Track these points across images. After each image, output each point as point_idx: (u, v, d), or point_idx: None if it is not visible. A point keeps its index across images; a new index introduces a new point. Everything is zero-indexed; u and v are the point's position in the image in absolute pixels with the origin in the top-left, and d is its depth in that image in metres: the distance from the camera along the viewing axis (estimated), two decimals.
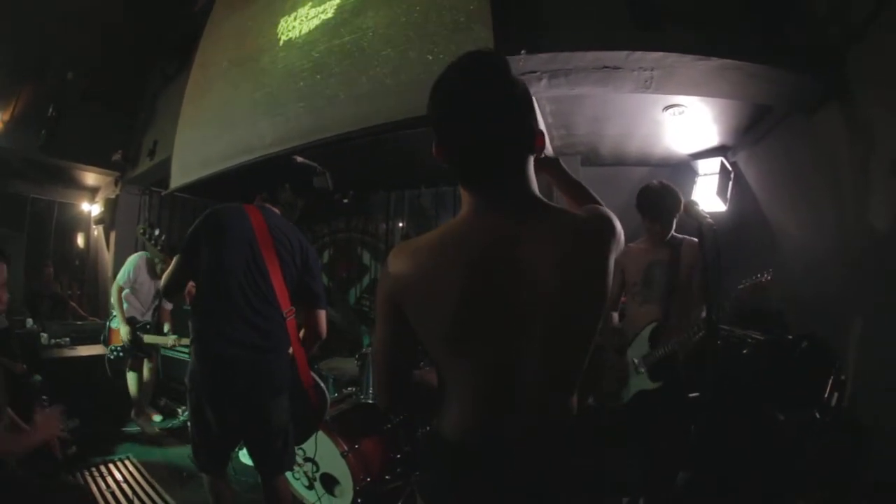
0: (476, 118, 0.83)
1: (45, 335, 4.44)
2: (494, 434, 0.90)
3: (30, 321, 4.69)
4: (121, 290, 3.82)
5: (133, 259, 3.93)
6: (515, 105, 0.85)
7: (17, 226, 5.92)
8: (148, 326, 3.86)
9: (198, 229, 1.95)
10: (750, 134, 3.36)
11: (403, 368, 0.98)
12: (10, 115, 4.92)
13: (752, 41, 2.30)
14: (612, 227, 0.93)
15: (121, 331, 3.75)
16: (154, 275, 3.92)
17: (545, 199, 0.91)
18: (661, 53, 2.39)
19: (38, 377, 3.36)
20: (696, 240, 2.24)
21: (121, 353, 3.79)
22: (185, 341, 3.67)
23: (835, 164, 2.51)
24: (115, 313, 3.83)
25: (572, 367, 0.93)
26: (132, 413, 3.86)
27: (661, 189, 2.38)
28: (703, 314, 2.12)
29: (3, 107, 4.89)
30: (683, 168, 3.81)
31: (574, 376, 0.94)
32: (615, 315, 2.58)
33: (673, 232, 2.43)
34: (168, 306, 4.07)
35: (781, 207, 3.16)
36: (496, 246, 0.85)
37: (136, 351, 3.77)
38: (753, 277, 2.17)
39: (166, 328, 3.97)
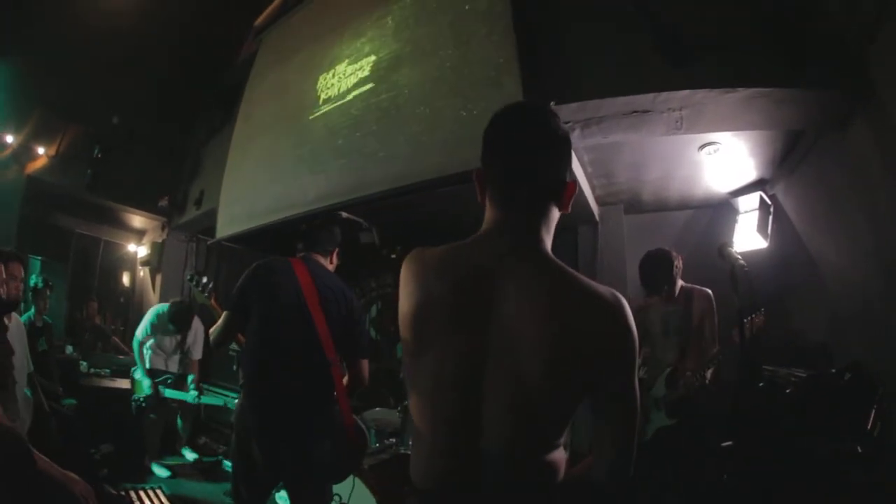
0: (508, 150, 0.93)
1: (84, 363, 4.64)
2: (454, 484, 0.90)
3: (70, 348, 4.90)
4: (141, 343, 3.95)
5: (150, 315, 4.07)
6: (544, 150, 0.93)
7: (61, 257, 6.19)
8: (169, 381, 3.95)
9: (246, 285, 2.07)
10: (786, 164, 3.30)
11: None
12: (55, 151, 5.20)
13: (774, 66, 2.31)
14: (614, 342, 0.85)
15: (143, 383, 3.86)
16: (169, 332, 4.04)
17: (552, 256, 0.92)
18: (687, 91, 2.43)
19: (72, 400, 3.56)
20: (707, 290, 2.63)
21: (143, 403, 3.86)
22: (208, 398, 3.83)
23: (869, 181, 2.44)
24: (137, 367, 3.95)
25: (543, 424, 0.89)
26: (146, 458, 3.88)
27: (651, 263, 2.68)
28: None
29: (49, 143, 5.17)
30: (725, 207, 3.74)
31: (546, 433, 0.89)
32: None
33: (681, 284, 2.72)
34: (196, 357, 4.22)
35: (821, 236, 3.07)
36: (473, 279, 0.90)
37: (156, 403, 3.85)
38: (746, 321, 2.24)
39: (190, 379, 4.07)
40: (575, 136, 2.66)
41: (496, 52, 2.64)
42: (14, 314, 2.60)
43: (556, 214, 0.95)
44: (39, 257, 5.64)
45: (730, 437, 2.22)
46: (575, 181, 0.96)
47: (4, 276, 2.34)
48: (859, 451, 2.00)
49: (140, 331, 4.01)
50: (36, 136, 5.07)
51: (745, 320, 2.25)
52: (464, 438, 0.89)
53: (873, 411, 2.06)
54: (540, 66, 2.59)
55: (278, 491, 2.87)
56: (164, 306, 4.15)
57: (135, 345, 4.00)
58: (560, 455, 0.93)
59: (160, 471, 3.81)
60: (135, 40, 4.96)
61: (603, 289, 0.88)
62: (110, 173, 5.33)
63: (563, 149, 0.94)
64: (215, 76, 5.89)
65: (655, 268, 2.68)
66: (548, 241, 0.94)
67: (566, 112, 2.54)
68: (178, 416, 4.20)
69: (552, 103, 2.45)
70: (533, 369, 0.84)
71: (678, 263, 2.71)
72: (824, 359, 2.72)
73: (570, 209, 0.96)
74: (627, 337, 0.86)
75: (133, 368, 4.07)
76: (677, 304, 2.66)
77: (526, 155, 0.91)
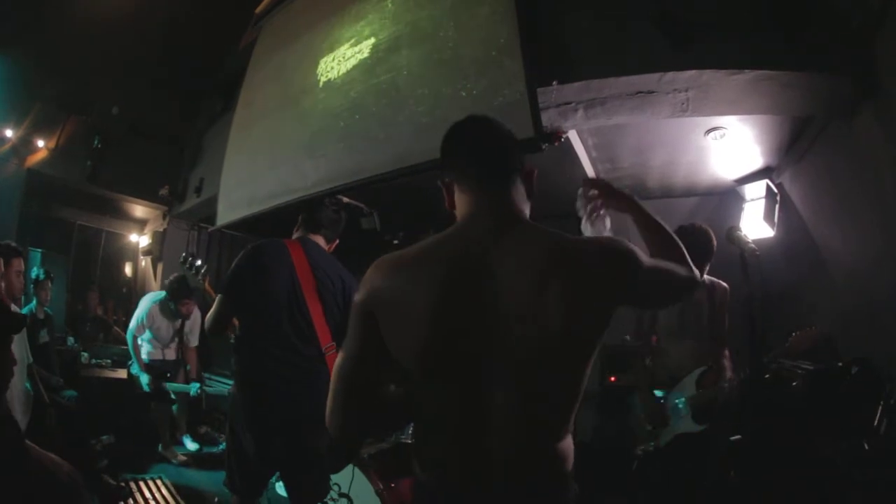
0: (482, 143, 1.01)
1: (85, 354, 4.62)
2: (465, 475, 0.88)
3: (71, 340, 4.89)
4: (135, 337, 3.91)
5: (144, 305, 4.01)
6: (507, 141, 1.03)
7: (63, 250, 6.19)
8: (168, 374, 3.92)
9: (239, 268, 2.01)
10: (793, 151, 3.25)
11: (363, 386, 0.94)
12: (55, 143, 5.16)
13: (780, 49, 2.26)
14: (621, 263, 0.92)
15: (140, 379, 3.82)
16: (169, 315, 4.01)
17: (534, 223, 0.96)
18: (693, 72, 2.37)
19: (73, 392, 3.52)
20: (725, 284, 2.44)
21: (145, 399, 3.86)
22: (209, 388, 3.82)
23: (876, 172, 2.39)
24: (133, 360, 3.92)
25: (553, 404, 0.89)
26: (160, 446, 3.92)
27: (694, 232, 2.37)
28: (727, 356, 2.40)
29: (48, 135, 5.13)
30: (731, 195, 3.71)
31: (557, 416, 0.90)
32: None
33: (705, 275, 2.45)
34: (193, 344, 4.18)
35: (827, 226, 3.04)
36: (465, 259, 0.89)
37: (157, 397, 3.84)
38: (802, 330, 2.21)
39: (188, 369, 4.07)
40: (578, 118, 2.61)
41: (497, 32, 2.58)
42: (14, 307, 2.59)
43: (526, 197, 1.02)
44: (40, 250, 5.63)
45: (738, 432, 2.16)
46: (534, 167, 1.03)
47: (2, 269, 2.33)
48: (865, 448, 1.96)
49: (134, 322, 3.96)
50: (35, 129, 5.04)
51: (797, 332, 2.21)
52: (476, 429, 0.87)
53: (880, 408, 2.02)
54: (541, 46, 2.53)
55: (277, 480, 2.85)
56: (158, 295, 4.12)
57: (129, 338, 3.97)
58: (568, 444, 0.92)
59: (191, 444, 4.03)
60: (134, 29, 4.93)
61: (594, 237, 1.01)
62: (110, 164, 5.30)
63: (516, 142, 1.05)
64: (216, 64, 5.85)
65: (697, 243, 2.27)
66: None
67: (569, 92, 2.49)
68: (174, 405, 4.16)
69: (555, 83, 2.40)
70: (545, 332, 0.84)
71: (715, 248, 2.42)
72: (829, 352, 2.65)
73: (535, 192, 1.03)
74: (630, 250, 0.93)
75: (129, 363, 4.03)
76: (700, 292, 2.41)
77: (496, 145, 1.00)
